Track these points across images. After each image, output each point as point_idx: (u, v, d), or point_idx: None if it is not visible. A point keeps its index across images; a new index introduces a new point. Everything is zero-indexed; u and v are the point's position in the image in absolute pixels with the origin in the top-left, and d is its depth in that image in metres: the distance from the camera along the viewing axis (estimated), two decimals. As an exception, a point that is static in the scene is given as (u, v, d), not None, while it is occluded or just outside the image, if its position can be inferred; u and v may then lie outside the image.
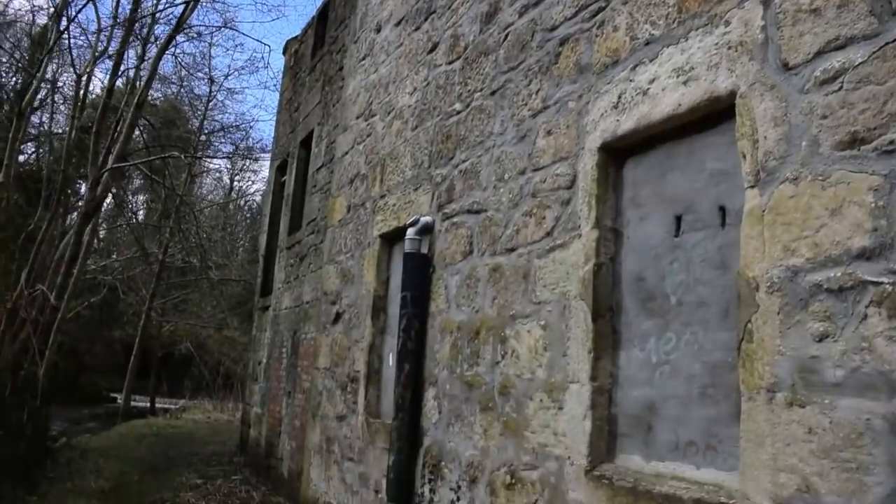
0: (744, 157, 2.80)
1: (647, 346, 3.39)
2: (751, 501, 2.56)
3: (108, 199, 26.67)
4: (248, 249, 37.21)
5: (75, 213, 16.98)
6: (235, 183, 37.63)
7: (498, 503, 4.06)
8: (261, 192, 40.98)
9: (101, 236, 30.54)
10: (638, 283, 3.49)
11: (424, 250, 5.36)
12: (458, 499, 4.49)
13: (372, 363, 6.19)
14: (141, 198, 27.82)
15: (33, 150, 22.14)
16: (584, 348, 3.56)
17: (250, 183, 58.30)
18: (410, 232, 5.35)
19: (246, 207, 39.33)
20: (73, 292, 13.58)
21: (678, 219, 3.29)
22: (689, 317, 3.15)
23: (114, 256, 23.51)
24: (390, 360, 6.04)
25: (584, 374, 3.53)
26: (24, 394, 8.45)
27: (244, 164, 36.63)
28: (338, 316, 7.15)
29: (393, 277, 6.27)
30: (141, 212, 25.20)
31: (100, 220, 18.99)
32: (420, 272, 5.27)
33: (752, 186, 2.74)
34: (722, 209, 3.05)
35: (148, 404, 24.68)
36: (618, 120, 3.54)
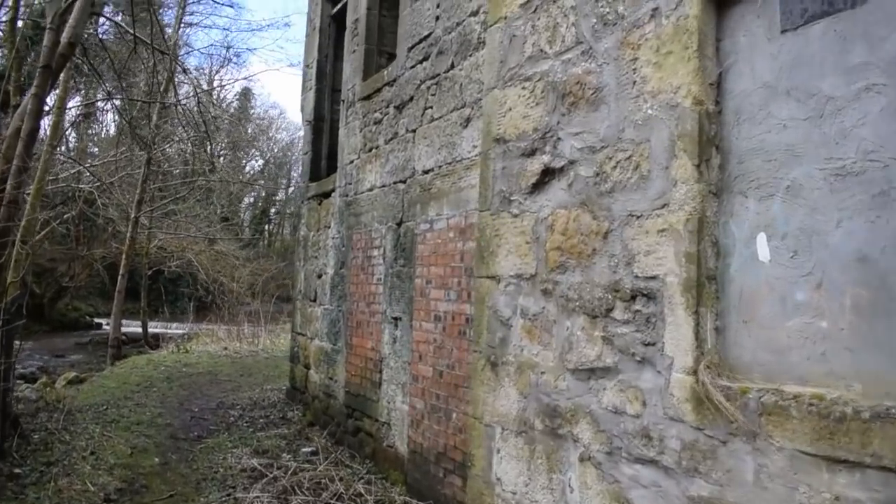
0: None
1: None
2: None
3: (80, 105, 22.44)
4: (229, 159, 34.20)
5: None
6: (215, 84, 33.33)
7: None
8: (237, 98, 37.01)
9: (72, 141, 26.44)
10: None
11: None
12: None
13: (702, 258, 2.83)
14: (117, 101, 23.32)
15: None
16: None
17: (230, 85, 53.48)
18: None
19: (225, 112, 35.04)
20: (38, 191, 10.11)
21: None
22: None
23: (89, 162, 19.56)
24: (760, 246, 2.69)
25: None
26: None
27: (226, 60, 32.46)
28: (547, 174, 3.74)
29: (735, 76, 2.85)
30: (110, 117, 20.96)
31: (68, 106, 15.21)
32: None
33: None
34: None
35: (139, 329, 21.42)
36: None
